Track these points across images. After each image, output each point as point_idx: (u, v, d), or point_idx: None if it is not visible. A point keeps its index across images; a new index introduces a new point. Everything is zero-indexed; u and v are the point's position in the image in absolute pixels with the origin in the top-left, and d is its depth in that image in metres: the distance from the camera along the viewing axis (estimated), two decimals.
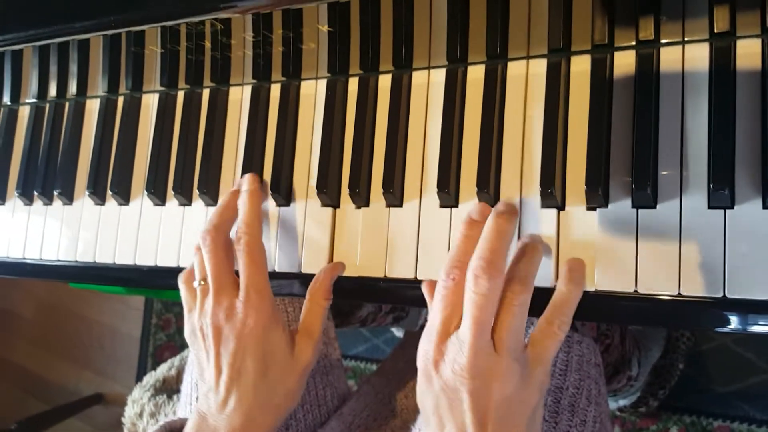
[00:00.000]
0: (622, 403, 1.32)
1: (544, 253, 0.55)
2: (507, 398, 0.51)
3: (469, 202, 0.61)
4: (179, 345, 1.93)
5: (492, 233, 0.52)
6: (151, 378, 1.20)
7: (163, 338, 1.96)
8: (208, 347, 0.61)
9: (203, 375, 0.63)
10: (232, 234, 0.65)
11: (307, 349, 0.63)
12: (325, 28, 0.67)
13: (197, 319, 0.62)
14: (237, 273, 0.64)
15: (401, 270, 0.63)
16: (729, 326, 0.52)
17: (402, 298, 0.64)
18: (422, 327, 1.36)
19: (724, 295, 0.51)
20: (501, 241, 0.52)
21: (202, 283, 0.63)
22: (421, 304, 0.59)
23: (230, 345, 0.60)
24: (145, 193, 0.76)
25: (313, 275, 0.65)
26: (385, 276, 0.64)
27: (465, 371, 0.50)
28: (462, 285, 0.51)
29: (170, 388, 1.19)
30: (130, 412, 1.14)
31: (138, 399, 1.15)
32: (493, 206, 0.56)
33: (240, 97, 0.74)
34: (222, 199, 0.67)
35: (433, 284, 0.57)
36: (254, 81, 0.73)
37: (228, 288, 0.61)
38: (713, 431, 1.33)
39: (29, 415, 1.90)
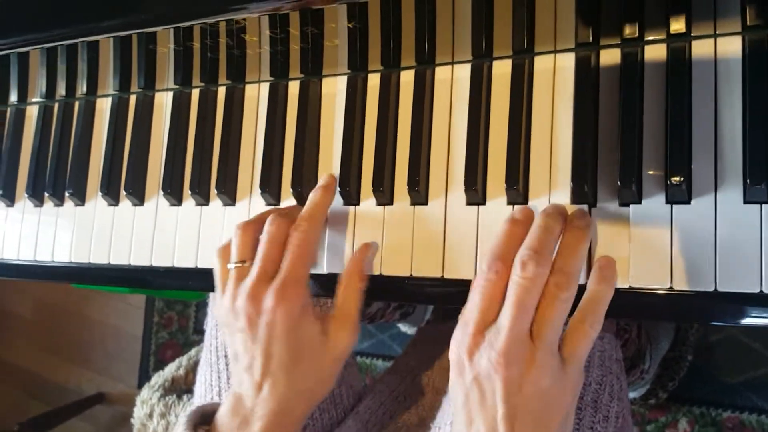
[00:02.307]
0: (631, 395, 1.32)
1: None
2: (541, 393, 0.50)
3: (497, 200, 0.60)
4: (181, 343, 1.92)
5: (540, 229, 0.52)
6: (159, 378, 1.19)
7: (166, 336, 1.95)
8: (241, 330, 0.61)
9: (237, 358, 0.62)
10: None
11: (343, 335, 0.62)
12: (345, 24, 0.66)
13: (230, 302, 0.61)
14: None
15: (427, 269, 0.62)
16: None
17: (428, 297, 0.63)
18: (429, 322, 1.36)
19: (761, 291, 0.51)
20: (549, 236, 0.51)
21: (239, 264, 0.62)
22: (449, 303, 0.59)
23: (262, 334, 0.59)
24: (161, 193, 0.75)
25: (336, 275, 0.64)
26: (411, 275, 0.63)
27: (501, 356, 0.49)
28: (504, 279, 0.51)
29: (179, 387, 1.18)
30: (139, 412, 1.13)
31: (147, 399, 1.13)
32: (522, 203, 0.55)
33: (257, 94, 0.73)
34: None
35: None
36: (272, 78, 0.72)
37: (269, 278, 0.60)
38: (722, 422, 1.33)
39: (31, 416, 1.89)
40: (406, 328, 1.57)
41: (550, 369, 0.50)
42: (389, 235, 0.64)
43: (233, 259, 0.63)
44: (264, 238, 0.61)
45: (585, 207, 0.57)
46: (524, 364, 0.49)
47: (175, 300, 1.93)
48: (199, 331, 1.89)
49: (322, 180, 0.66)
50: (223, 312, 0.63)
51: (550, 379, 0.50)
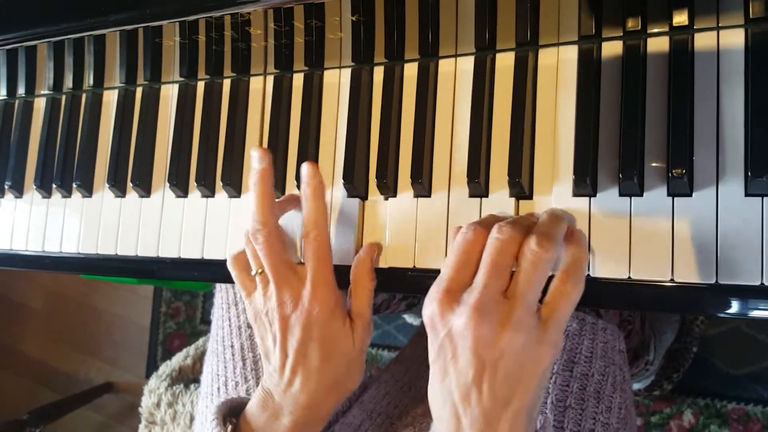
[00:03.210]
0: (636, 386, 1.32)
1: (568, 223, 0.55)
2: (515, 351, 0.49)
3: (500, 192, 0.61)
4: (189, 333, 1.94)
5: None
6: (167, 368, 1.20)
7: (173, 326, 1.96)
8: (275, 332, 0.62)
9: (268, 357, 0.64)
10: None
11: (361, 332, 0.64)
12: (349, 17, 0.66)
13: (261, 306, 0.63)
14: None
15: (430, 260, 0.63)
16: None
17: None
18: None
19: (762, 283, 0.51)
20: (527, 217, 0.54)
21: (260, 272, 0.63)
22: None
23: (296, 333, 0.61)
24: (167, 185, 0.75)
25: (341, 266, 0.65)
26: (414, 266, 0.63)
27: (473, 312, 0.49)
28: (481, 240, 0.52)
29: (186, 377, 1.19)
30: (147, 402, 1.14)
31: (155, 389, 1.15)
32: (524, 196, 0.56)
33: (262, 87, 0.73)
34: (255, 188, 0.63)
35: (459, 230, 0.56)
36: (276, 71, 0.72)
37: (290, 278, 0.62)
38: (727, 413, 1.33)
39: (41, 405, 1.91)
40: (411, 319, 1.58)
41: (525, 328, 0.50)
42: (393, 227, 0.65)
43: (253, 269, 0.64)
44: (261, 253, 0.63)
45: (586, 199, 0.57)
46: (497, 322, 0.49)
47: (182, 290, 1.94)
48: (207, 322, 1.90)
49: (306, 177, 0.65)
50: (253, 314, 0.65)
51: (525, 339, 0.49)
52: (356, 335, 0.63)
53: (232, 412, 0.66)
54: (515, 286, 0.50)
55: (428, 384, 0.54)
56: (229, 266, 0.66)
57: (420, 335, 1.05)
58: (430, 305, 0.52)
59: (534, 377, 0.51)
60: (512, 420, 0.50)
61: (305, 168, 0.65)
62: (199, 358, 1.21)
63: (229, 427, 0.63)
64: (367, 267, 0.64)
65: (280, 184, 0.70)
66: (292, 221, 0.69)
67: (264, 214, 0.63)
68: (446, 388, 0.51)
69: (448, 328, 0.51)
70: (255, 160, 0.64)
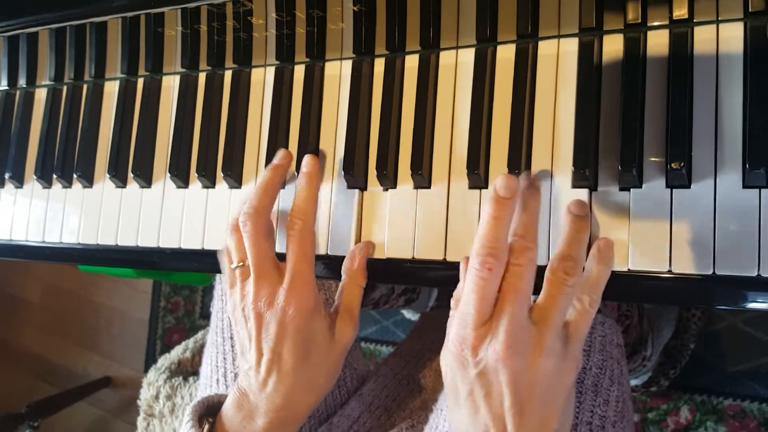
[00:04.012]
0: (633, 383, 1.33)
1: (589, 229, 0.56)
2: (548, 376, 0.50)
3: None
4: (188, 328, 1.94)
5: (521, 210, 0.54)
6: (165, 360, 1.20)
7: (172, 321, 1.96)
8: (250, 329, 0.61)
9: (244, 353, 0.63)
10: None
11: (347, 330, 0.63)
12: (351, 8, 0.67)
13: (239, 300, 0.62)
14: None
15: (429, 252, 0.63)
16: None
17: (430, 280, 0.64)
18: (434, 308, 1.36)
19: (759, 274, 0.52)
20: (530, 217, 0.54)
21: (241, 265, 0.63)
22: (450, 284, 0.59)
23: (271, 330, 0.60)
24: (168, 175, 0.75)
25: (340, 257, 0.65)
26: (413, 257, 0.64)
27: (506, 348, 0.49)
28: (498, 274, 0.51)
29: (185, 370, 1.20)
30: (146, 394, 1.14)
31: (153, 381, 1.15)
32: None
33: (263, 78, 0.73)
34: (261, 178, 0.65)
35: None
36: (278, 62, 0.72)
37: (270, 274, 0.61)
38: (724, 410, 1.34)
39: (39, 399, 1.91)
40: (410, 315, 1.58)
41: (555, 352, 0.51)
42: (392, 218, 0.65)
43: (234, 261, 0.64)
44: (246, 242, 0.62)
45: (585, 191, 0.57)
46: (529, 352, 0.50)
47: (181, 285, 1.95)
48: (206, 316, 1.90)
49: (305, 166, 0.65)
50: (232, 309, 0.64)
51: (556, 361, 0.51)
52: (340, 333, 0.63)
53: (210, 411, 0.65)
54: (543, 312, 0.51)
55: (451, 411, 0.55)
56: (220, 256, 0.66)
57: (418, 330, 1.05)
58: (460, 342, 0.52)
59: (563, 393, 0.52)
60: None
61: (305, 159, 0.66)
62: (198, 351, 1.21)
63: (206, 427, 0.62)
64: (362, 264, 0.64)
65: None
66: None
67: (260, 202, 0.63)
68: (480, 422, 0.52)
69: (481, 366, 0.51)
70: (276, 157, 0.66)
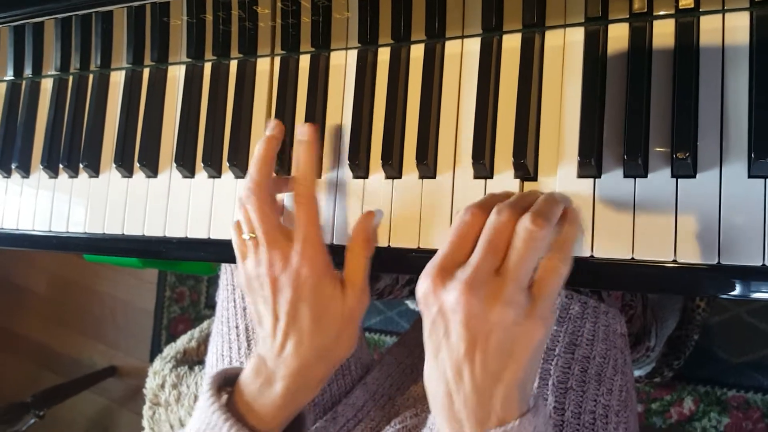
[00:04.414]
0: (637, 373, 1.33)
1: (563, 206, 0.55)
2: (506, 327, 0.50)
3: (504, 173, 0.61)
4: (193, 318, 1.95)
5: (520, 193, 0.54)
6: (171, 350, 1.21)
7: (177, 311, 1.97)
8: (266, 296, 0.63)
9: (261, 321, 0.64)
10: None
11: (353, 299, 0.64)
12: None
13: (253, 269, 0.63)
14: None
15: (435, 241, 0.63)
16: None
17: None
18: None
19: (764, 264, 0.52)
20: (526, 197, 0.54)
21: (252, 236, 0.64)
22: None
23: (286, 293, 0.62)
24: (174, 165, 0.76)
25: (344, 246, 0.66)
26: (419, 247, 0.64)
27: (465, 287, 0.49)
28: (479, 222, 0.52)
29: (191, 359, 1.20)
30: (151, 383, 1.15)
31: (159, 370, 1.15)
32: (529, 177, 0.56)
33: (269, 68, 0.73)
34: (258, 149, 0.65)
35: None
36: (283, 52, 0.72)
37: (279, 240, 0.62)
38: (727, 401, 1.34)
39: (44, 388, 1.92)
40: (414, 305, 1.58)
41: (516, 304, 0.50)
42: (397, 208, 0.65)
43: (245, 231, 0.65)
44: (252, 214, 0.63)
45: (591, 181, 0.58)
46: (489, 298, 0.49)
47: (187, 275, 1.95)
48: (211, 306, 1.91)
49: (302, 134, 0.66)
50: (245, 279, 0.65)
51: (515, 314, 0.50)
52: (347, 301, 0.63)
53: (227, 382, 0.66)
54: (507, 263, 0.50)
55: (424, 364, 0.55)
56: (232, 229, 0.67)
57: (422, 320, 1.05)
58: (424, 282, 0.53)
59: (526, 352, 0.51)
60: (504, 396, 0.50)
61: (299, 127, 0.66)
62: (204, 341, 1.21)
63: (224, 397, 0.64)
64: (364, 234, 0.64)
65: (285, 165, 0.71)
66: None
67: (260, 174, 0.64)
68: (440, 366, 0.52)
69: (439, 304, 0.51)
70: (268, 128, 0.67)
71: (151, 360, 1.39)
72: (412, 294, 1.32)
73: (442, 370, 0.52)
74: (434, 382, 0.53)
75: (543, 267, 0.52)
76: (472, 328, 0.50)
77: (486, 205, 0.53)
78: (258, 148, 0.65)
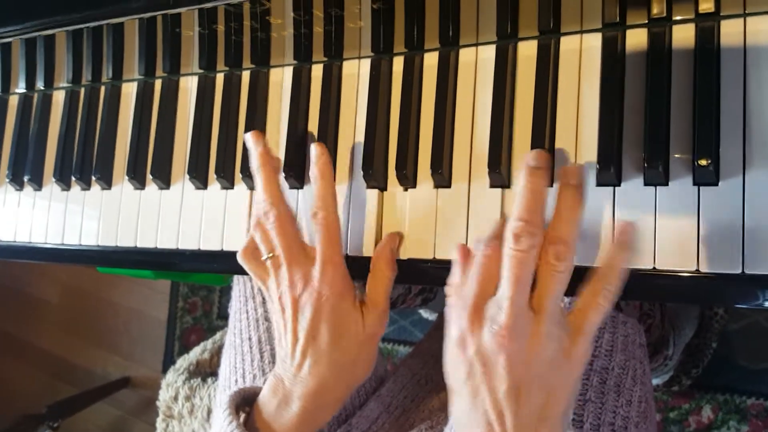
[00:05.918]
0: (655, 382, 1.31)
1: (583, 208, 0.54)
2: (545, 364, 0.50)
3: None
4: (206, 328, 1.94)
5: (527, 192, 0.52)
6: (184, 361, 1.20)
7: (190, 321, 1.97)
8: (287, 318, 0.62)
9: (280, 341, 0.64)
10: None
11: (374, 320, 0.63)
12: (370, 6, 0.66)
13: (275, 291, 0.63)
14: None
15: (450, 252, 0.62)
16: None
17: None
18: None
19: None
20: (536, 200, 0.52)
21: (271, 256, 0.63)
22: None
23: (307, 313, 0.61)
24: (187, 176, 0.75)
25: (359, 258, 0.65)
26: (434, 258, 0.63)
27: (505, 330, 0.49)
28: (500, 253, 0.51)
29: (204, 371, 1.20)
30: (164, 395, 1.15)
31: (172, 382, 1.15)
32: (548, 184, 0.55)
33: (281, 78, 0.73)
34: (261, 173, 0.65)
35: (465, 248, 0.57)
36: (295, 62, 0.72)
37: (301, 258, 0.62)
38: (747, 409, 1.32)
39: (58, 400, 1.93)
40: (427, 314, 1.57)
41: (554, 340, 0.50)
42: (412, 218, 0.64)
43: (264, 253, 0.64)
44: (272, 232, 0.63)
45: (610, 189, 0.56)
46: (527, 337, 0.50)
47: (199, 285, 1.95)
48: (224, 317, 1.91)
49: (315, 156, 0.65)
50: (270, 302, 0.65)
51: (553, 351, 0.50)
52: (367, 321, 0.63)
53: (246, 402, 0.66)
54: (540, 300, 0.50)
55: (452, 404, 0.54)
56: (240, 260, 0.66)
57: (436, 329, 1.04)
58: (458, 322, 0.53)
59: (566, 387, 0.51)
60: (549, 430, 0.51)
61: (313, 148, 0.65)
62: (217, 352, 1.21)
63: (242, 416, 0.63)
64: (386, 255, 0.64)
65: (299, 176, 0.70)
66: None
67: (273, 194, 0.63)
68: (479, 407, 0.51)
69: (477, 346, 0.51)
70: (250, 143, 0.66)
71: (164, 370, 1.39)
72: (424, 303, 1.31)
73: (482, 411, 0.51)
74: (473, 423, 0.52)
75: (584, 301, 0.52)
76: (514, 370, 0.50)
77: (501, 236, 0.52)
78: (258, 171, 0.65)
